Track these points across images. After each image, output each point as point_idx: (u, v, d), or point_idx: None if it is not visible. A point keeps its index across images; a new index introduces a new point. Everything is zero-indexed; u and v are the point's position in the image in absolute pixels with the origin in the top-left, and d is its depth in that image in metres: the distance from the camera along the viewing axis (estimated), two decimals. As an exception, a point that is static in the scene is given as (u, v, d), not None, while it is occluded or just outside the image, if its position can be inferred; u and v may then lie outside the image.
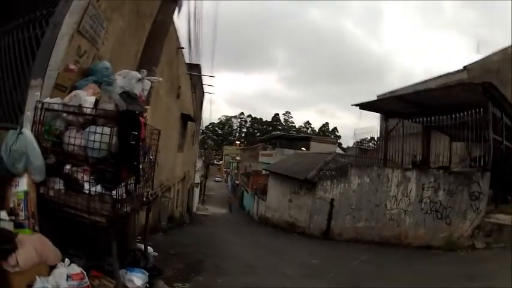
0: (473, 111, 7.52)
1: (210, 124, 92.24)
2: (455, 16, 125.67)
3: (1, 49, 3.52)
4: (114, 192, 2.82)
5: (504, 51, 11.51)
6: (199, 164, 27.41)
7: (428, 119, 8.92)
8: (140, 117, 3.06)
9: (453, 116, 8.03)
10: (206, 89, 22.64)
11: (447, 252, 7.03)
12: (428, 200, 8.29)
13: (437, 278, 5.18)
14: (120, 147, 2.80)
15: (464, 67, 12.74)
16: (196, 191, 25.41)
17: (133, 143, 2.87)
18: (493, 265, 5.36)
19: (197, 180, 25.43)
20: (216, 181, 58.94)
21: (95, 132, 2.75)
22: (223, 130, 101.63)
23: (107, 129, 2.76)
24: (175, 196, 13.14)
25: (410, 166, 10.01)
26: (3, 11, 3.60)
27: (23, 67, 3.38)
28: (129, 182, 3.08)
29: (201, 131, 31.18)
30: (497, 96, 7.82)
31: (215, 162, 71.89)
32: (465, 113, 7.73)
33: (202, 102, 24.10)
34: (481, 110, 7.46)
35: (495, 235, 6.71)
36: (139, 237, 4.88)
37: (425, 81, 14.56)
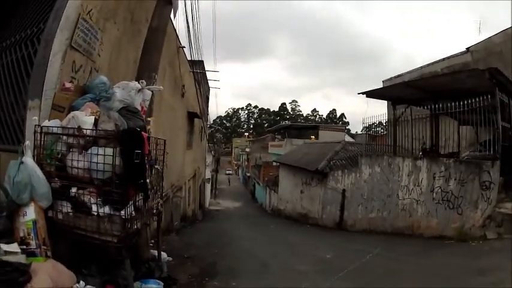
0: (481, 98, 7.46)
1: (218, 118, 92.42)
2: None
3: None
4: (123, 212, 2.79)
5: (505, 32, 11.08)
6: (209, 159, 27.51)
7: (437, 105, 8.79)
8: (142, 133, 3.00)
9: (461, 102, 7.96)
10: (211, 84, 22.57)
11: (459, 243, 6.96)
12: (440, 190, 8.18)
13: (449, 271, 5.13)
14: (125, 167, 2.75)
15: (467, 49, 12.35)
16: (208, 186, 25.56)
17: (138, 161, 2.82)
18: (503, 257, 5.25)
19: (208, 175, 25.56)
20: (227, 174, 58.91)
21: (97, 154, 2.68)
22: (231, 123, 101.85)
23: (109, 150, 2.69)
24: (187, 194, 13.24)
25: (420, 153, 9.88)
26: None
27: (19, 87, 3.34)
28: (138, 199, 3.06)
29: (209, 125, 31.19)
30: (503, 81, 7.75)
31: (225, 154, 72.13)
32: (473, 99, 7.66)
33: (208, 98, 24.04)
34: (489, 95, 7.37)
35: (506, 225, 6.63)
36: (152, 241, 4.88)
37: (429, 65, 14.20)
